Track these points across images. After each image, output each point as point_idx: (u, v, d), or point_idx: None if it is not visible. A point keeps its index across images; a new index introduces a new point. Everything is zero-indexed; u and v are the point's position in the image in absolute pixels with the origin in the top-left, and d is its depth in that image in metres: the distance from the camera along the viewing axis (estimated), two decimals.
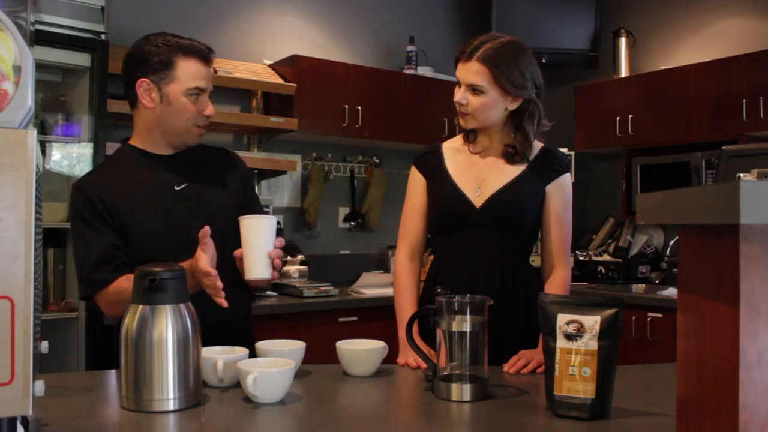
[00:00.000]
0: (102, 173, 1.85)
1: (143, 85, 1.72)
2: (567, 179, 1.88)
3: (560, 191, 1.86)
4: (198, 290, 1.57)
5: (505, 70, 1.74)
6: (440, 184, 1.88)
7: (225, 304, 1.53)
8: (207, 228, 1.55)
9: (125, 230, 1.70)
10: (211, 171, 1.85)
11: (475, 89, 1.76)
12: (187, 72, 1.71)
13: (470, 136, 1.90)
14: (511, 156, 1.84)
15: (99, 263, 1.67)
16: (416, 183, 1.93)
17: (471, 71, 1.76)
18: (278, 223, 1.67)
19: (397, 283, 1.89)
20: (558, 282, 1.83)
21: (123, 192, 1.73)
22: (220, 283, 1.52)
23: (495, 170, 1.85)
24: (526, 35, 4.48)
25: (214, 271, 1.52)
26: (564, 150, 3.86)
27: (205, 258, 1.53)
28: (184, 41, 1.74)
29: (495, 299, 1.44)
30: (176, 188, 1.77)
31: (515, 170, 1.84)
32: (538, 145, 1.88)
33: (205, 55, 1.75)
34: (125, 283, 1.62)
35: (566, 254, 1.86)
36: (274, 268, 1.58)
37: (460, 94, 1.80)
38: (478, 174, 1.85)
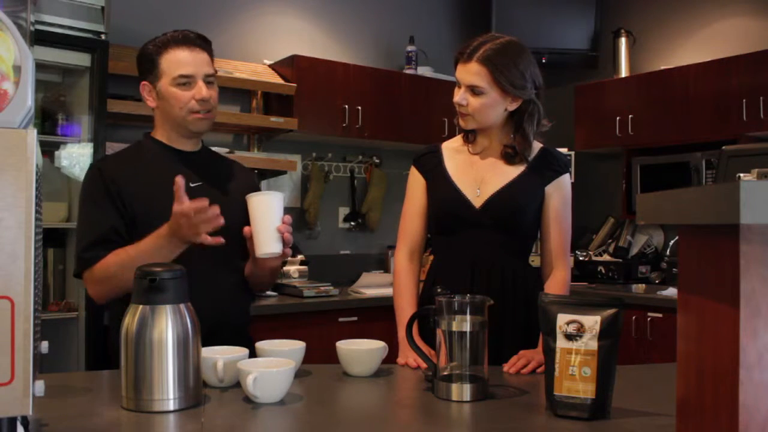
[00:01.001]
0: (121, 158, 1.87)
1: (145, 88, 1.79)
2: (566, 180, 1.88)
3: (559, 191, 1.86)
4: (182, 249, 1.59)
5: (504, 71, 1.74)
6: (440, 185, 1.88)
7: (221, 240, 1.57)
8: (181, 180, 1.57)
9: (133, 217, 1.72)
10: (225, 177, 1.90)
11: (474, 90, 1.76)
12: (170, 63, 1.74)
13: (470, 137, 1.90)
14: (510, 156, 1.85)
15: (94, 243, 1.69)
16: (416, 183, 1.93)
17: (471, 72, 1.76)
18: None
19: (397, 283, 1.90)
20: (557, 282, 1.83)
21: (138, 179, 1.75)
22: (217, 209, 1.55)
23: (494, 171, 1.85)
24: (526, 35, 4.47)
25: (206, 201, 1.54)
26: (564, 150, 3.86)
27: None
28: (169, 35, 1.76)
29: (495, 299, 1.44)
30: (191, 185, 1.79)
31: (515, 171, 1.84)
32: (537, 146, 1.88)
33: (187, 41, 1.75)
34: (111, 258, 1.64)
35: (566, 254, 1.87)
36: (284, 243, 1.60)
37: (459, 95, 1.80)
38: (478, 174, 1.86)
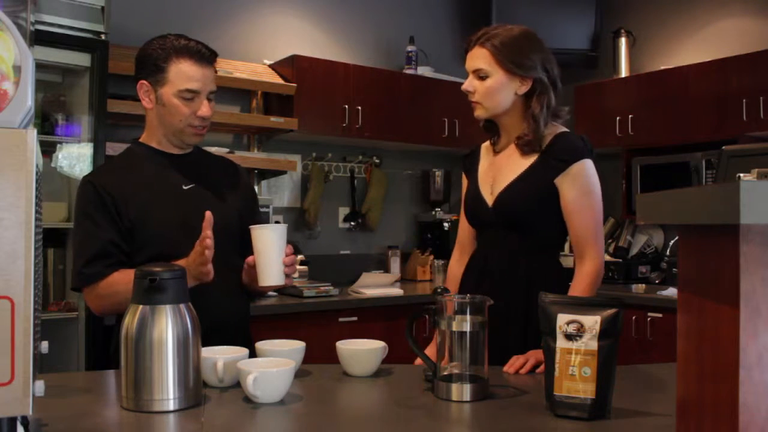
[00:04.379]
0: (112, 169, 1.88)
1: (143, 87, 1.77)
2: (578, 167, 1.75)
3: (572, 181, 1.75)
4: (195, 284, 1.58)
5: (505, 51, 1.75)
6: (470, 185, 1.92)
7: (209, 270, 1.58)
8: (209, 214, 1.59)
9: (131, 225, 1.71)
10: (217, 177, 1.89)
11: (480, 74, 1.77)
12: (179, 74, 1.73)
13: (494, 138, 1.91)
14: (521, 147, 1.80)
15: (94, 257, 1.69)
16: (464, 184, 1.98)
17: (474, 57, 1.78)
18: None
19: (446, 278, 2.01)
20: (581, 276, 1.74)
21: (132, 187, 1.75)
22: (209, 241, 1.55)
23: (508, 166, 1.82)
24: None
25: (208, 232, 1.56)
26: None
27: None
28: (181, 43, 1.74)
29: (503, 300, 1.42)
30: (184, 187, 1.80)
31: (525, 163, 1.79)
32: (553, 132, 1.80)
33: (200, 56, 1.75)
34: (118, 276, 1.64)
35: (591, 245, 1.74)
36: (286, 273, 1.63)
37: (466, 82, 1.81)
38: (496, 171, 1.85)
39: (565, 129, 1.83)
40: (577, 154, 1.76)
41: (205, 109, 1.76)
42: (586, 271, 1.75)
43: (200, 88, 1.74)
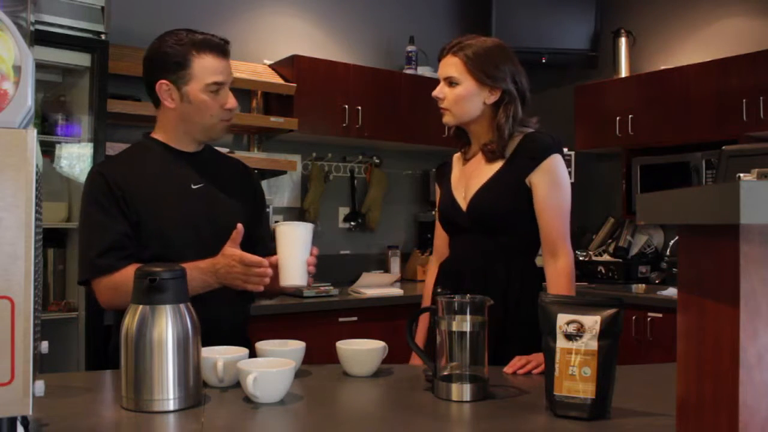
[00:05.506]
0: (122, 161, 1.84)
1: (163, 87, 1.73)
2: (549, 163, 1.76)
3: (543, 177, 1.76)
4: (209, 289, 1.59)
5: (476, 60, 1.78)
6: (443, 193, 1.95)
7: (261, 288, 1.62)
8: (240, 227, 1.62)
9: (138, 220, 1.70)
10: (227, 178, 1.88)
11: (450, 81, 1.81)
12: (203, 68, 1.71)
13: (465, 147, 1.94)
14: (487, 154, 1.83)
15: (108, 249, 1.66)
16: (437, 194, 2.01)
17: (446, 64, 1.82)
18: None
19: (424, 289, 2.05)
20: (558, 271, 1.75)
21: (141, 182, 1.73)
22: (270, 270, 1.58)
23: (478, 171, 1.86)
24: (526, 35, 4.46)
25: (266, 261, 1.58)
26: (563, 150, 3.85)
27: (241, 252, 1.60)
28: (197, 36, 1.73)
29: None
30: (193, 186, 1.79)
31: (492, 169, 1.82)
32: (520, 135, 1.82)
33: (220, 48, 1.74)
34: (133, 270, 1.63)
35: (563, 240, 1.76)
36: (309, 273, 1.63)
37: (437, 89, 1.85)
38: (468, 178, 1.88)
39: (531, 129, 1.85)
40: (547, 151, 1.78)
41: (232, 100, 1.77)
42: (563, 267, 1.75)
43: (224, 80, 1.74)
